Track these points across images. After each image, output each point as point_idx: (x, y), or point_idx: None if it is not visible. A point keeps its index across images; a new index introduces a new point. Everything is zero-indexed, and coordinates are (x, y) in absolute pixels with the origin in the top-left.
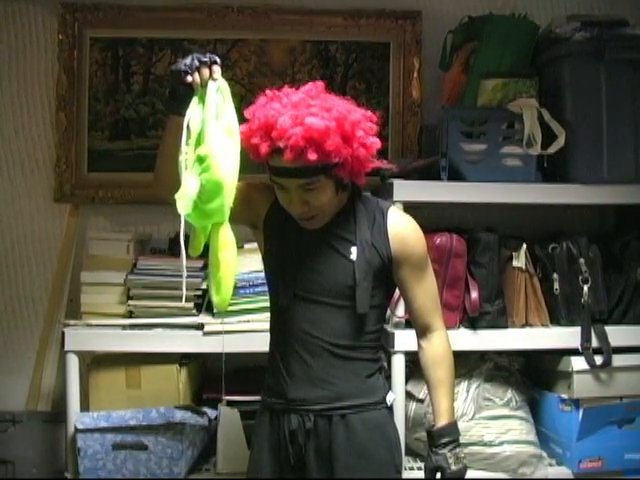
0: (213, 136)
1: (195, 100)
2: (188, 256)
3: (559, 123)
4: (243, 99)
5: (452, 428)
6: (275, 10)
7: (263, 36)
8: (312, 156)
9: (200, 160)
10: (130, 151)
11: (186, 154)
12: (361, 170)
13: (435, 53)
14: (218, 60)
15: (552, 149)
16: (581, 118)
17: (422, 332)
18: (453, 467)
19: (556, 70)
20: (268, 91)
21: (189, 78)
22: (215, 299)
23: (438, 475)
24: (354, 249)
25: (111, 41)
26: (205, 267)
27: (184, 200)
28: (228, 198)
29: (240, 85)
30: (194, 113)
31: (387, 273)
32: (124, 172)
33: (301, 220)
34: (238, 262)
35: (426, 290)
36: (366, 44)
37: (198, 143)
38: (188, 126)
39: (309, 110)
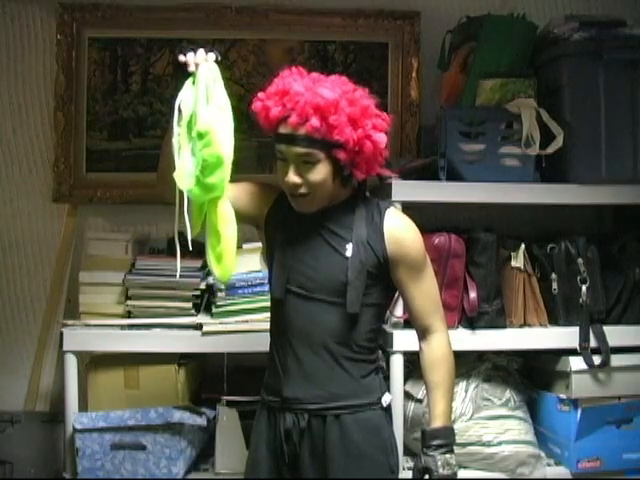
0: (210, 113)
1: (188, 83)
2: (186, 252)
3: (557, 123)
4: (242, 99)
5: (446, 432)
6: (273, 10)
7: (261, 36)
8: (315, 123)
9: (200, 136)
10: (128, 151)
11: (178, 135)
12: (362, 163)
13: (434, 53)
14: (215, 51)
15: (550, 149)
16: (579, 118)
17: (422, 334)
18: (441, 471)
19: (554, 70)
20: (294, 68)
21: (182, 57)
22: (216, 271)
23: (426, 477)
24: (349, 246)
25: (109, 41)
26: (204, 267)
27: (184, 177)
28: (227, 172)
29: (238, 85)
30: (186, 95)
31: (384, 273)
32: (122, 172)
33: (293, 198)
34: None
35: (424, 291)
36: (364, 44)
37: (190, 124)
38: (180, 107)
39: (324, 84)
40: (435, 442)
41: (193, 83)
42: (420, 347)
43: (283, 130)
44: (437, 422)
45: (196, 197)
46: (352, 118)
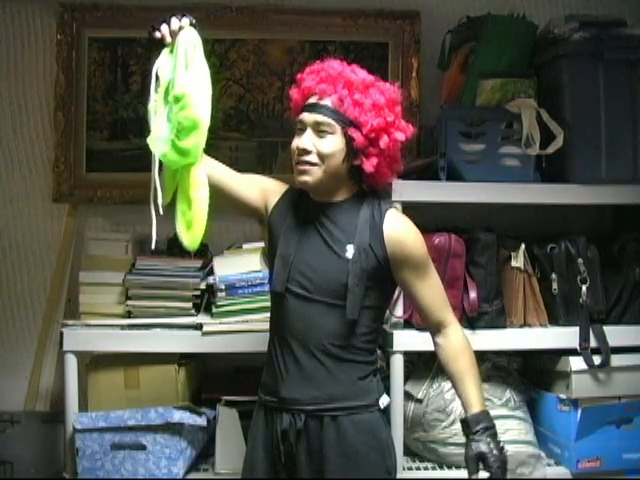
0: (188, 78)
1: (165, 51)
2: (185, 252)
3: (557, 123)
4: (242, 99)
5: (487, 416)
6: (274, 10)
7: (262, 36)
8: (341, 93)
9: (176, 100)
10: (128, 151)
11: (155, 102)
12: (374, 156)
13: (434, 53)
14: (188, 16)
15: (550, 149)
16: (579, 118)
17: (436, 329)
18: (495, 452)
19: (554, 70)
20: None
21: (157, 34)
22: (185, 238)
23: (481, 465)
24: (350, 247)
25: (109, 41)
26: (203, 267)
27: (158, 142)
28: (202, 138)
29: (238, 85)
30: (164, 62)
31: (385, 275)
32: (122, 172)
33: (298, 167)
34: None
35: (432, 287)
36: (365, 44)
37: (167, 91)
38: (157, 74)
39: (361, 70)
40: (480, 426)
41: (171, 51)
42: (436, 342)
43: (310, 100)
44: (475, 408)
45: (171, 163)
46: (377, 105)
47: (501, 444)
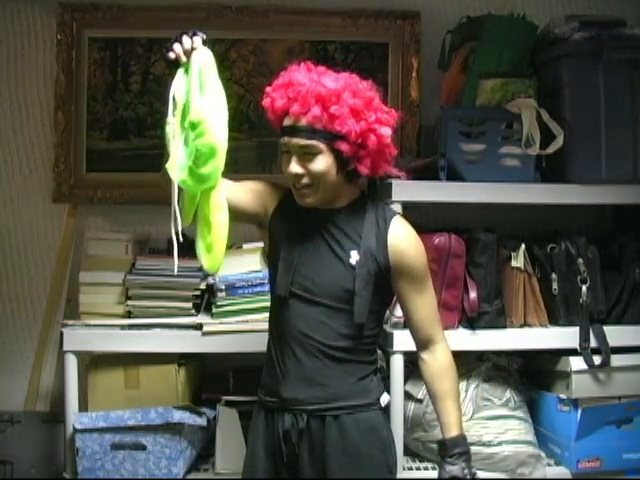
0: (204, 102)
1: (180, 72)
2: (185, 252)
3: (558, 123)
4: (242, 99)
5: (464, 440)
6: (274, 10)
7: (262, 36)
8: (316, 112)
9: (193, 126)
10: (129, 151)
11: (173, 125)
12: (366, 158)
13: (434, 53)
14: (200, 33)
15: (551, 149)
16: (579, 118)
17: (424, 345)
18: (468, 478)
19: (555, 70)
20: (302, 63)
21: (171, 55)
22: (205, 261)
23: None
24: (354, 253)
25: (110, 41)
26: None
27: (176, 168)
28: (220, 162)
29: (239, 85)
30: (179, 84)
31: (385, 281)
32: (123, 172)
33: (296, 190)
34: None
35: (427, 302)
36: (365, 44)
37: (184, 114)
38: (174, 97)
39: (328, 76)
40: (457, 450)
41: (185, 71)
42: (422, 358)
43: (287, 122)
44: (454, 431)
45: (190, 188)
46: (355, 110)
47: (473, 469)
